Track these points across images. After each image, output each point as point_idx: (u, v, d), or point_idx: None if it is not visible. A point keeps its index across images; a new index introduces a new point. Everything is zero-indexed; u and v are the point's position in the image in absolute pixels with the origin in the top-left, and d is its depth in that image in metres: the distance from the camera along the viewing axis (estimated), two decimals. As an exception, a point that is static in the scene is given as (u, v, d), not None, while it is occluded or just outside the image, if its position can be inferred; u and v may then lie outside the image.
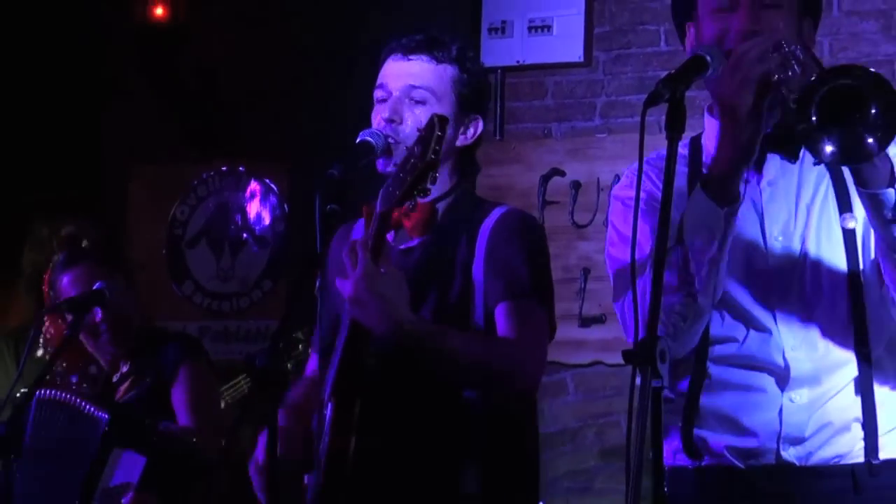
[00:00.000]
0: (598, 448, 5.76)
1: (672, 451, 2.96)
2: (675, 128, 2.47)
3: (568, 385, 5.79)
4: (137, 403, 4.23)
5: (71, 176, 6.30)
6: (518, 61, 6.04)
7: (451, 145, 3.14)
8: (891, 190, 2.62)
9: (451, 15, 5.96)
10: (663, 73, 5.94)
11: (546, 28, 6.00)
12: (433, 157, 2.82)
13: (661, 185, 2.73)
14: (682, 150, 3.00)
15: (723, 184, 2.71)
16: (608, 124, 5.93)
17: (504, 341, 3.03)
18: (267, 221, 6.64)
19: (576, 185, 5.90)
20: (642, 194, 2.62)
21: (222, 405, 4.84)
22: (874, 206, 2.66)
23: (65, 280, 4.34)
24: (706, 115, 3.04)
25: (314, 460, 3.01)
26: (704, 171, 2.89)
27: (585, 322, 5.77)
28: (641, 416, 2.37)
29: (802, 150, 2.87)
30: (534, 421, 3.18)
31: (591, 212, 5.86)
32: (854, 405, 2.85)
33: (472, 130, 3.22)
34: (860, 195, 2.68)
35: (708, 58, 2.66)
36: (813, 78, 2.57)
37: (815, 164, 2.69)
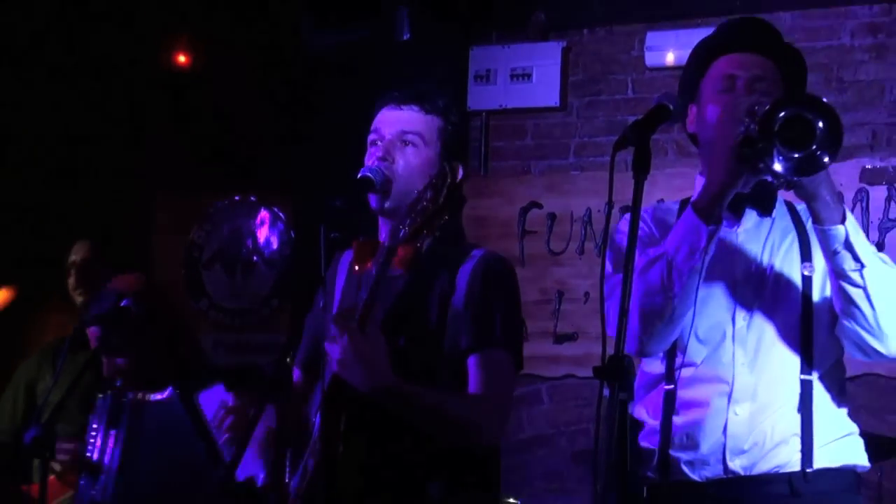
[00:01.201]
0: (570, 452, 5.75)
1: (649, 471, 3.04)
2: (641, 168, 2.51)
3: (543, 395, 5.79)
4: None
5: (104, 204, 6.30)
6: (501, 106, 6.06)
7: None
8: (840, 227, 2.77)
9: (443, 64, 5.99)
10: (630, 118, 6.05)
11: (526, 76, 6.02)
12: (443, 201, 2.81)
13: (653, 229, 3.07)
14: (674, 206, 3.17)
15: (710, 205, 2.83)
16: (581, 163, 5.95)
17: (473, 399, 3.00)
18: (275, 246, 6.65)
19: (552, 217, 5.91)
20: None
21: None
22: (826, 239, 2.80)
23: (92, 331, 4.24)
24: (697, 177, 3.13)
25: (299, 457, 3.04)
26: None
27: (559, 339, 5.77)
28: (608, 424, 2.40)
29: (776, 210, 3.06)
30: (497, 449, 3.17)
31: (565, 241, 5.86)
32: (795, 421, 2.93)
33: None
34: (815, 231, 2.83)
35: (670, 106, 2.69)
36: (767, 107, 2.72)
37: (773, 181, 2.83)
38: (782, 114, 2.70)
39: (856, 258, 2.79)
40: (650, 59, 5.79)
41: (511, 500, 5.02)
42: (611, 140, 5.73)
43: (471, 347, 3.02)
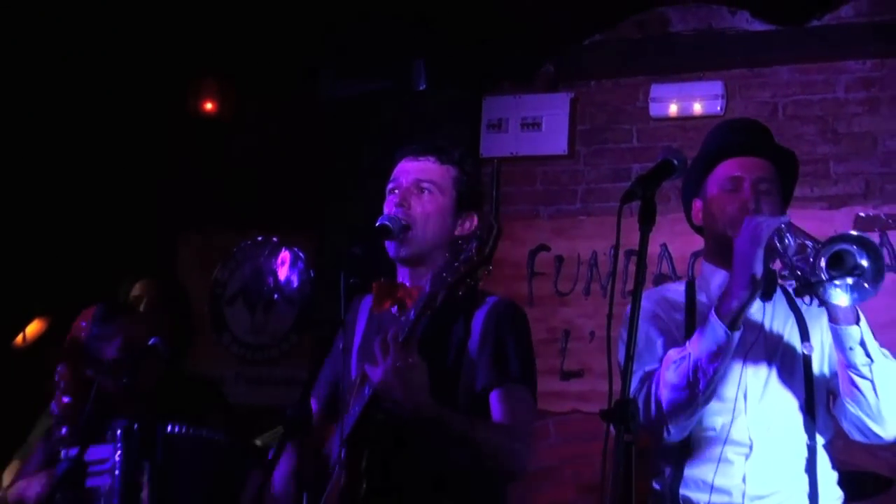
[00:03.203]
0: (575, 483, 5.74)
1: None
2: (646, 221, 2.56)
3: (550, 430, 5.76)
4: None
5: (131, 242, 6.33)
6: (512, 153, 6.07)
7: (450, 235, 3.15)
8: (856, 327, 2.99)
9: (458, 113, 6.02)
10: (635, 166, 6.03)
11: (536, 125, 6.03)
12: (488, 253, 2.81)
13: (665, 314, 3.28)
14: (680, 287, 3.39)
15: (734, 314, 3.03)
16: (587, 208, 5.95)
17: (501, 427, 3.02)
18: (295, 284, 6.65)
19: (559, 259, 5.91)
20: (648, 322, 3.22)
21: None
22: (841, 337, 3.03)
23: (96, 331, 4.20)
24: (703, 261, 3.37)
25: (319, 494, 3.04)
26: (699, 307, 3.27)
27: (565, 376, 5.76)
28: (615, 462, 2.45)
29: (776, 294, 3.27)
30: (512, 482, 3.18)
31: (572, 282, 5.86)
32: (803, 480, 3.17)
33: (468, 224, 3.20)
34: (832, 330, 3.04)
35: (674, 161, 2.72)
36: (819, 245, 2.92)
37: (819, 305, 3.04)
38: (834, 249, 2.90)
39: (867, 354, 3.03)
40: (654, 109, 5.81)
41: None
42: (616, 186, 5.80)
43: (490, 384, 3.05)
